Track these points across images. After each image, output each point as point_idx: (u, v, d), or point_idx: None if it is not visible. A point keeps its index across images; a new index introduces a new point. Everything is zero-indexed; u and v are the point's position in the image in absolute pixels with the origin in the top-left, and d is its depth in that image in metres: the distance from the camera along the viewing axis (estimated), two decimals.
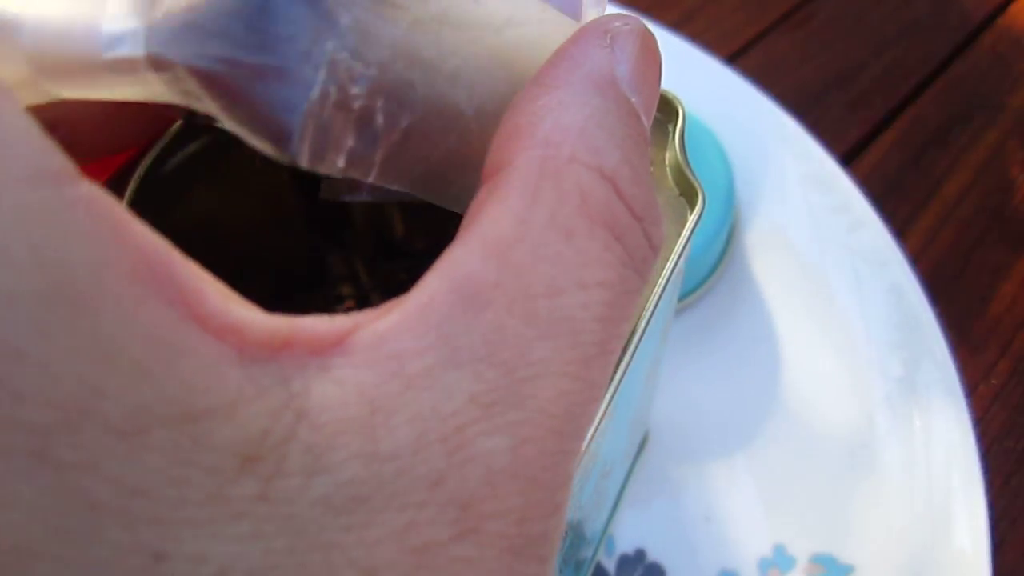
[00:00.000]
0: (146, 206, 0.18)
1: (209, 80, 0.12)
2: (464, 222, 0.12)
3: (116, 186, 0.20)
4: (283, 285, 0.26)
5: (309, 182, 0.25)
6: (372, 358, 0.10)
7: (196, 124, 0.20)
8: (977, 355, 0.37)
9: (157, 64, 0.12)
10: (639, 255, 0.12)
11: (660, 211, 0.13)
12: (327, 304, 0.28)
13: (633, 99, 0.13)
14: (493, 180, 0.12)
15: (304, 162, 0.13)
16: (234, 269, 0.24)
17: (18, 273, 0.08)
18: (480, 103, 0.14)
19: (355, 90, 0.13)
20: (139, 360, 0.08)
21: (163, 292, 0.09)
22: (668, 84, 0.22)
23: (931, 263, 0.40)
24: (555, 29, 0.14)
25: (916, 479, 0.32)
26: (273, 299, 0.27)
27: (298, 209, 0.26)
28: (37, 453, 0.07)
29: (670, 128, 0.21)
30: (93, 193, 0.09)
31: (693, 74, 0.44)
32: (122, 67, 0.12)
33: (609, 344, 0.11)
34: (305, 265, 0.28)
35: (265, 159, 0.24)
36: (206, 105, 0.13)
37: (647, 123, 0.13)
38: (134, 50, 0.12)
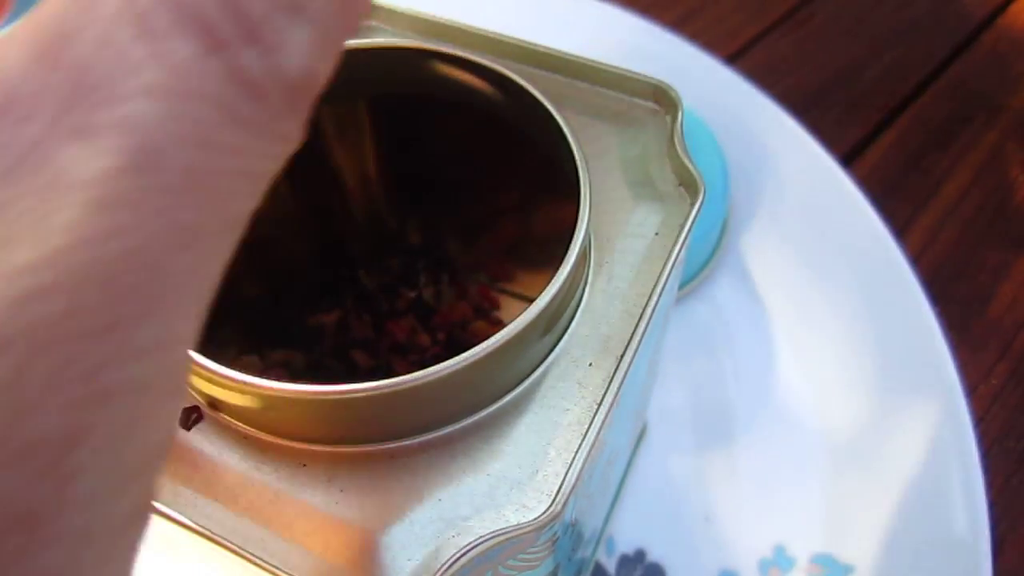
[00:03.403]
0: None
1: None
2: None
3: None
4: (282, 276, 0.26)
5: (308, 181, 0.25)
6: None
7: None
8: (977, 355, 0.37)
9: None
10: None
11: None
12: (324, 293, 0.28)
13: None
14: None
15: None
16: (234, 261, 0.24)
17: None
18: None
19: None
20: None
21: None
22: (668, 82, 0.22)
23: (931, 263, 0.40)
24: None
25: (916, 479, 0.32)
26: (273, 289, 0.27)
27: (296, 204, 0.26)
28: None
29: (669, 120, 0.21)
30: None
31: (693, 73, 0.44)
32: None
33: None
34: (304, 257, 0.28)
35: None
36: None
37: None
38: None
